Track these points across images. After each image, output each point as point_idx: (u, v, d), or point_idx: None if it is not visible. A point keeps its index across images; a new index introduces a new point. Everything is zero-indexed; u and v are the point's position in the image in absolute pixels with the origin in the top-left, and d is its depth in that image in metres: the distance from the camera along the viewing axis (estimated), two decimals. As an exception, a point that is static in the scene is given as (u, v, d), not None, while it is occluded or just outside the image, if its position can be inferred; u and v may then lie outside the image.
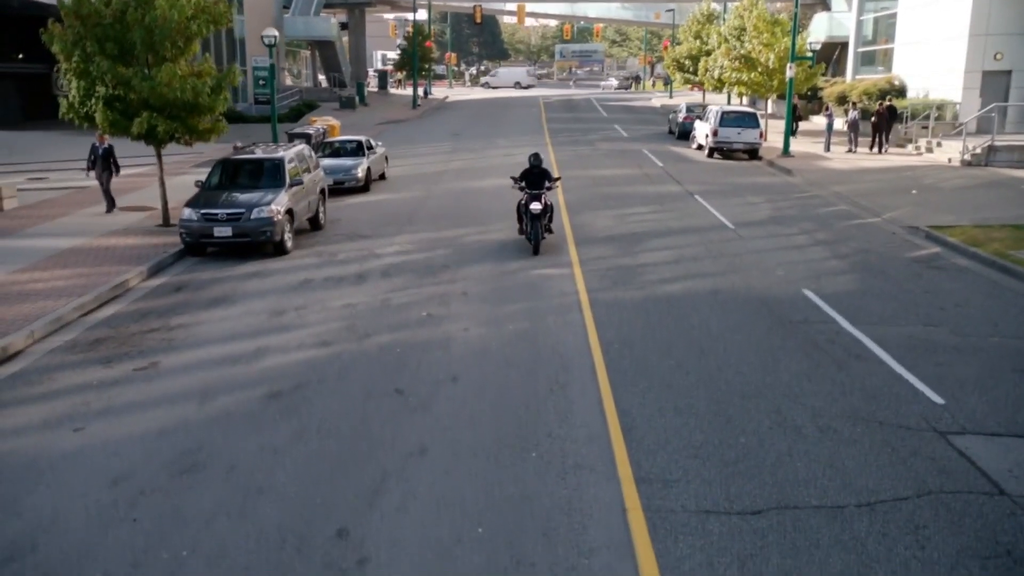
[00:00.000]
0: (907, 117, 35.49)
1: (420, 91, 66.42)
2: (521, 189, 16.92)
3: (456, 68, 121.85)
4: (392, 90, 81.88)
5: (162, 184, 19.01)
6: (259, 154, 18.36)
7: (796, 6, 32.68)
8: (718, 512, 7.27)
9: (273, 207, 16.40)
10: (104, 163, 20.68)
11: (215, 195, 16.92)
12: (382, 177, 27.54)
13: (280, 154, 18.14)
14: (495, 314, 12.95)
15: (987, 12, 33.91)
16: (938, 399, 9.73)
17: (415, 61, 60.55)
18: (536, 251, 16.46)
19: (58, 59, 17.08)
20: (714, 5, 54.75)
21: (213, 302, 13.80)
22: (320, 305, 13.51)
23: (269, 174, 17.58)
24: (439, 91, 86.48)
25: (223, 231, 16.16)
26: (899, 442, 8.63)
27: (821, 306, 13.32)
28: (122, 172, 22.05)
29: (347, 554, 6.67)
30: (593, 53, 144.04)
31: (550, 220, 17.09)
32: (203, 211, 16.27)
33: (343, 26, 74.38)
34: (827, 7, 54.00)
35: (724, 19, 45.77)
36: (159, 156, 18.93)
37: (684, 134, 39.38)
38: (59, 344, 11.79)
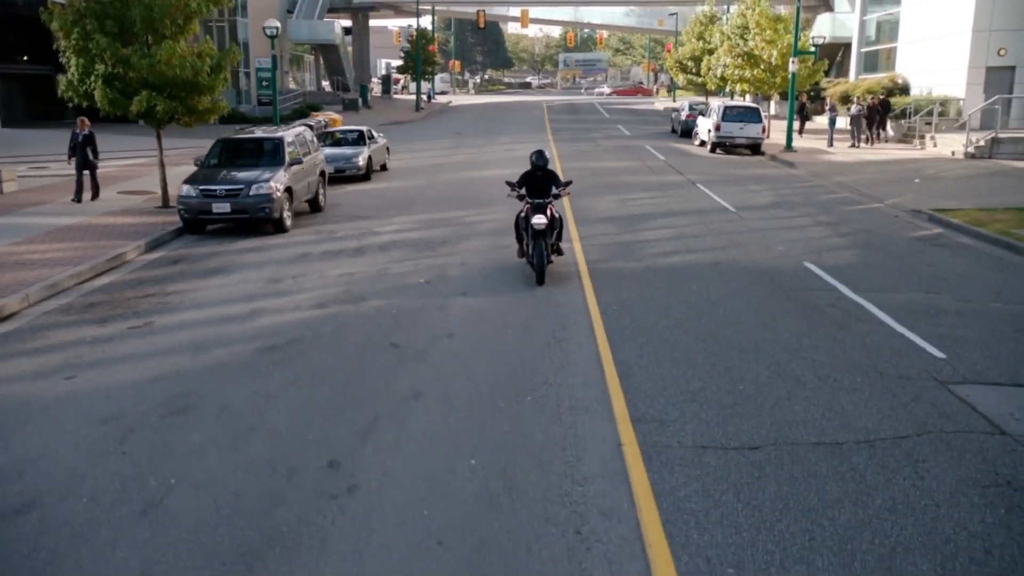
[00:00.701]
0: (910, 112, 35.41)
1: (424, 96, 66.52)
2: (520, 197, 13.05)
3: (460, 76, 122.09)
4: (396, 95, 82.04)
5: (161, 166, 18.99)
6: (259, 134, 18.33)
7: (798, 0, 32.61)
8: (715, 447, 7.16)
9: (272, 184, 16.35)
10: (83, 150, 19.72)
11: (214, 172, 16.90)
12: (383, 168, 27.52)
13: (280, 134, 18.12)
14: (493, 281, 12.87)
15: (990, 8, 33.84)
16: (939, 354, 9.61)
17: (418, 64, 60.64)
18: (541, 280, 12.51)
19: (57, 36, 17.07)
20: (716, 8, 54.74)
21: (210, 272, 13.74)
22: (317, 274, 13.44)
23: (269, 153, 17.55)
24: (443, 98, 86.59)
25: (222, 207, 16.10)
26: (899, 390, 8.52)
27: (822, 276, 13.22)
28: (123, 163, 22.01)
29: (338, 482, 6.57)
30: (597, 62, 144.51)
31: (559, 237, 13.15)
32: (202, 187, 16.23)
33: (347, 31, 74.54)
34: (830, 8, 53.99)
35: (727, 19, 45.76)
36: (159, 137, 18.92)
37: (687, 132, 39.33)
38: (53, 307, 11.72)
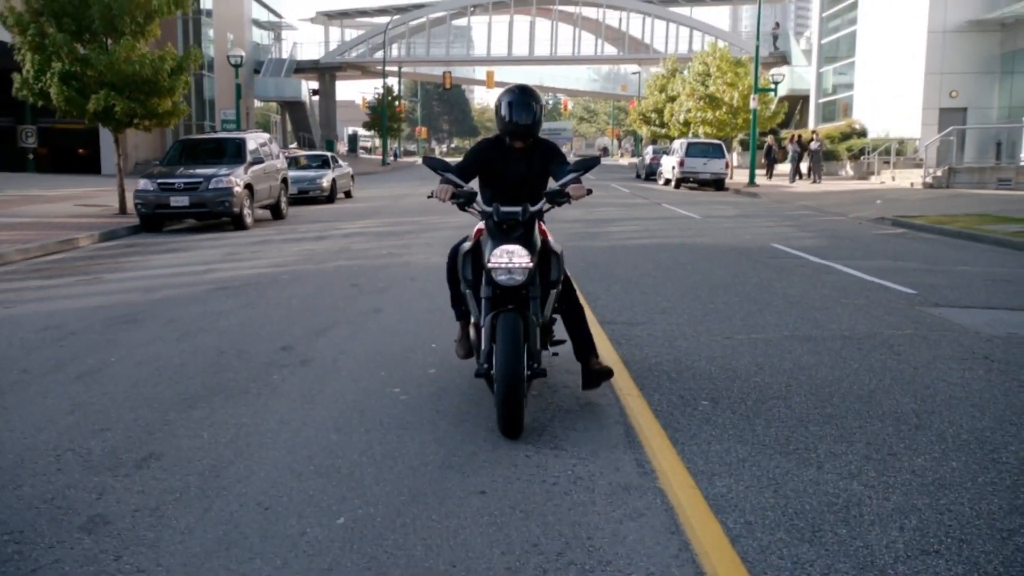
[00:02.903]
0: (868, 151, 36.00)
1: (390, 156, 66.82)
2: (463, 201, 4.97)
3: (427, 143, 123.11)
4: (363, 155, 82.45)
5: (120, 171, 18.62)
6: (219, 134, 18.09)
7: (757, 37, 33.29)
8: (685, 336, 6.90)
9: (232, 178, 16.04)
10: None
11: (173, 168, 16.57)
12: (348, 195, 27.34)
13: (241, 135, 17.89)
14: (457, 252, 12.61)
15: (941, 51, 34.75)
16: (911, 291, 9.46)
17: (384, 119, 60.99)
18: (512, 427, 4.53)
19: (12, 32, 16.76)
20: (678, 63, 55.80)
21: (166, 251, 13.35)
22: (277, 250, 13.13)
23: (229, 152, 17.27)
24: (410, 158, 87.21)
25: (180, 200, 15.73)
26: (873, 310, 8.32)
27: (789, 251, 13.12)
28: (80, 190, 21.44)
29: (290, 359, 6.21)
30: (562, 131, 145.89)
31: (573, 311, 5.45)
32: (159, 181, 15.87)
33: (314, 92, 75.11)
34: (787, 62, 55.26)
35: (689, 69, 46.67)
36: (117, 141, 18.57)
37: (651, 174, 39.58)
38: None
